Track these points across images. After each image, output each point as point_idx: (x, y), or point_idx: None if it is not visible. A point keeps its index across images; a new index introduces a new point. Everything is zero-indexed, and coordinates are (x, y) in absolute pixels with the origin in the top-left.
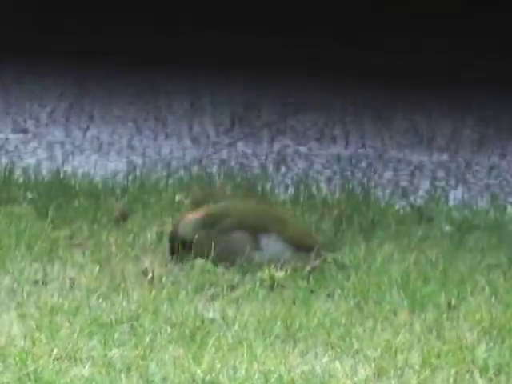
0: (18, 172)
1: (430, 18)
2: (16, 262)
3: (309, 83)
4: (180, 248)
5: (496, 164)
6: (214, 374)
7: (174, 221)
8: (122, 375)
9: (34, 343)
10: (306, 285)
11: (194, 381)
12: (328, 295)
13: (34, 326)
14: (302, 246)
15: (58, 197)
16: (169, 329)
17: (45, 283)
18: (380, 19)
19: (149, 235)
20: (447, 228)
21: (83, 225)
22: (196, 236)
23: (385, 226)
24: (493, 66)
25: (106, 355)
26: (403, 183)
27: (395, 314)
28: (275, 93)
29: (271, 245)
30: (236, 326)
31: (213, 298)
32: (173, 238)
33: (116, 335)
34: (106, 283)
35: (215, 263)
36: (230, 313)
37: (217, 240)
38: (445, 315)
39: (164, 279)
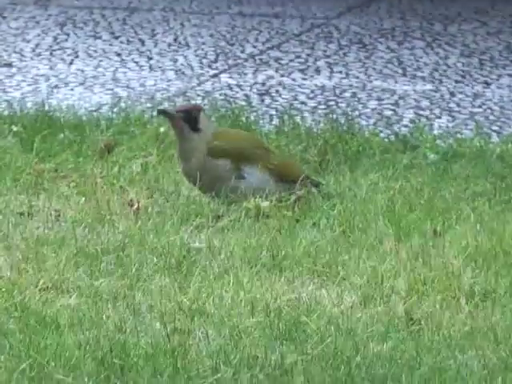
0: (2, 105)
1: None
2: (1, 195)
3: (292, 15)
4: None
5: (480, 93)
6: (200, 303)
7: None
8: (109, 305)
9: (20, 274)
10: (291, 214)
11: (180, 309)
12: (313, 224)
13: (21, 257)
14: (285, 177)
15: (43, 130)
16: (155, 259)
17: (30, 215)
18: None
19: (134, 167)
20: (432, 156)
21: (68, 157)
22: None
23: (369, 155)
24: (473, 1)
25: (92, 285)
26: (387, 113)
27: (381, 241)
28: (259, 25)
29: (254, 174)
30: (222, 255)
31: (198, 228)
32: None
33: (102, 265)
34: (92, 214)
35: (203, 190)
36: (216, 242)
37: (203, 165)
38: (430, 242)
39: (150, 210)
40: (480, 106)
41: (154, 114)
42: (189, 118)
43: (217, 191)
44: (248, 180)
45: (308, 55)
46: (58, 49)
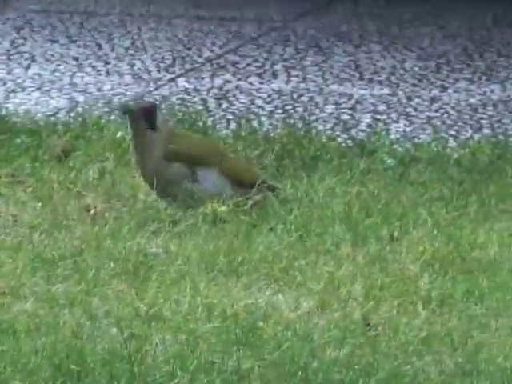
0: None
1: None
2: None
3: (249, 19)
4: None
5: (437, 97)
6: (157, 308)
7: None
8: (66, 310)
9: None
10: (248, 219)
11: (137, 315)
12: (270, 229)
13: None
14: (241, 182)
15: (0, 134)
16: (112, 264)
17: None
18: None
19: (91, 172)
20: (389, 161)
21: (25, 162)
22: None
23: (327, 160)
24: (430, 4)
25: (49, 290)
26: (344, 117)
27: (338, 247)
28: (216, 29)
29: (209, 178)
30: (179, 261)
31: (155, 233)
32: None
33: (59, 271)
34: (49, 220)
35: (159, 194)
36: (173, 247)
37: (157, 168)
38: (387, 248)
39: (106, 215)
40: (437, 111)
41: (112, 118)
42: (146, 115)
43: (173, 195)
44: (203, 184)
45: (265, 59)
46: (15, 53)
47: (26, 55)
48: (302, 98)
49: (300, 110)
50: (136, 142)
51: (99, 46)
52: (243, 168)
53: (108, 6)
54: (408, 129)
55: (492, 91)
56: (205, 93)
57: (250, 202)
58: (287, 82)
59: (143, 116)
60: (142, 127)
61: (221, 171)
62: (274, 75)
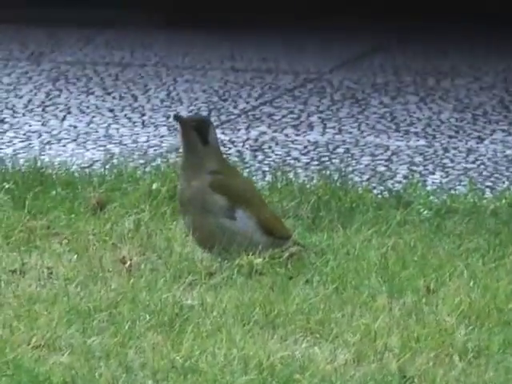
0: None
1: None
2: None
3: (285, 70)
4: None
5: (473, 148)
6: (193, 360)
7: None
8: (101, 363)
9: (12, 332)
10: (284, 271)
11: (173, 367)
12: (306, 281)
13: (13, 315)
14: (273, 232)
15: (35, 186)
16: (147, 316)
17: (22, 273)
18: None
19: (126, 224)
20: (425, 213)
21: (60, 214)
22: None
23: (363, 212)
24: (466, 56)
25: (84, 343)
26: (380, 169)
27: (374, 298)
28: (252, 80)
29: (245, 219)
30: (215, 313)
31: (191, 285)
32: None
33: (95, 323)
34: (84, 272)
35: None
36: (209, 299)
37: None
38: (424, 299)
39: (142, 267)
40: (473, 162)
41: (147, 169)
42: (200, 129)
43: (205, 229)
44: (238, 222)
45: (301, 111)
46: (51, 104)
47: (62, 107)
48: (338, 150)
49: (336, 161)
50: (184, 157)
51: (135, 98)
52: (277, 219)
53: (143, 58)
54: (444, 180)
55: None
56: (240, 144)
57: (286, 254)
58: (323, 134)
59: (195, 128)
60: (193, 140)
61: (257, 216)
62: (310, 127)
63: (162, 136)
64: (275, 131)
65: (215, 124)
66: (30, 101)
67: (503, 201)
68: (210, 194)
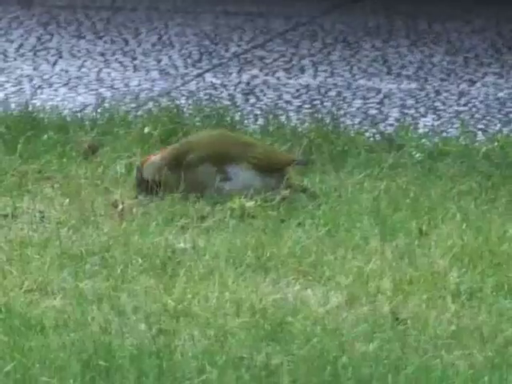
0: None
1: None
2: None
3: (276, 14)
4: (148, 189)
5: (465, 91)
6: (185, 304)
7: (137, 166)
8: (94, 306)
9: (4, 276)
10: (276, 214)
11: (165, 310)
12: (298, 224)
13: (5, 259)
14: (272, 167)
15: (27, 130)
16: (140, 260)
17: (14, 217)
18: None
19: (118, 168)
20: (417, 155)
21: (52, 158)
22: (162, 177)
23: (355, 155)
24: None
25: (77, 286)
26: (372, 112)
27: (366, 241)
28: (243, 24)
29: (240, 173)
30: (207, 256)
31: (183, 228)
32: (139, 182)
33: (87, 267)
34: (76, 216)
35: (185, 197)
36: (201, 243)
37: (184, 176)
38: (416, 242)
39: (134, 211)
40: (465, 105)
41: (139, 113)
42: (146, 185)
43: (202, 193)
44: (234, 181)
45: (293, 54)
46: (42, 49)
47: (53, 51)
48: (330, 93)
49: (328, 104)
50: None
51: (126, 42)
52: (270, 153)
53: (134, 1)
54: (436, 123)
55: None
56: (232, 88)
57: (278, 197)
58: (315, 77)
59: (146, 187)
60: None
61: (248, 162)
62: (302, 70)
63: (154, 80)
64: (267, 74)
65: (206, 68)
66: (21, 45)
67: (495, 143)
68: (195, 169)
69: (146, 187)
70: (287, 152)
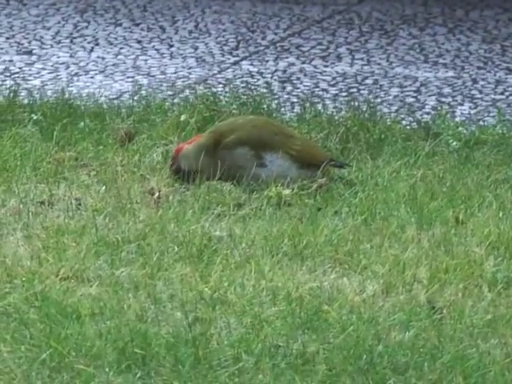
0: (22, 94)
1: None
2: (21, 184)
3: (313, 2)
4: (185, 178)
5: (502, 79)
6: (221, 292)
7: (171, 157)
8: (130, 294)
9: (40, 263)
10: (312, 202)
11: (201, 298)
12: (335, 212)
13: (41, 247)
14: (309, 162)
15: (63, 118)
16: (176, 248)
17: (51, 204)
18: None
19: (154, 155)
20: (454, 144)
21: (89, 145)
22: (200, 164)
23: (391, 143)
24: None
25: (113, 274)
26: (409, 100)
27: (403, 229)
28: (280, 11)
29: (276, 162)
30: (243, 244)
31: (219, 216)
32: (176, 172)
33: (123, 254)
34: (113, 203)
35: (223, 178)
36: (237, 231)
37: (221, 157)
38: (452, 230)
39: (170, 198)
40: (502, 93)
41: (175, 101)
42: (183, 174)
43: (238, 179)
44: (270, 168)
45: (329, 42)
46: (79, 36)
47: (89, 38)
48: (367, 81)
49: (364, 92)
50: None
51: (163, 29)
52: (309, 147)
53: None
54: (473, 111)
55: None
56: (269, 76)
57: (315, 185)
58: (351, 65)
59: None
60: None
61: (286, 153)
62: (339, 58)
63: (190, 67)
64: (304, 62)
65: (244, 56)
66: (57, 32)
67: None
68: (232, 151)
69: (183, 176)
70: (324, 144)
